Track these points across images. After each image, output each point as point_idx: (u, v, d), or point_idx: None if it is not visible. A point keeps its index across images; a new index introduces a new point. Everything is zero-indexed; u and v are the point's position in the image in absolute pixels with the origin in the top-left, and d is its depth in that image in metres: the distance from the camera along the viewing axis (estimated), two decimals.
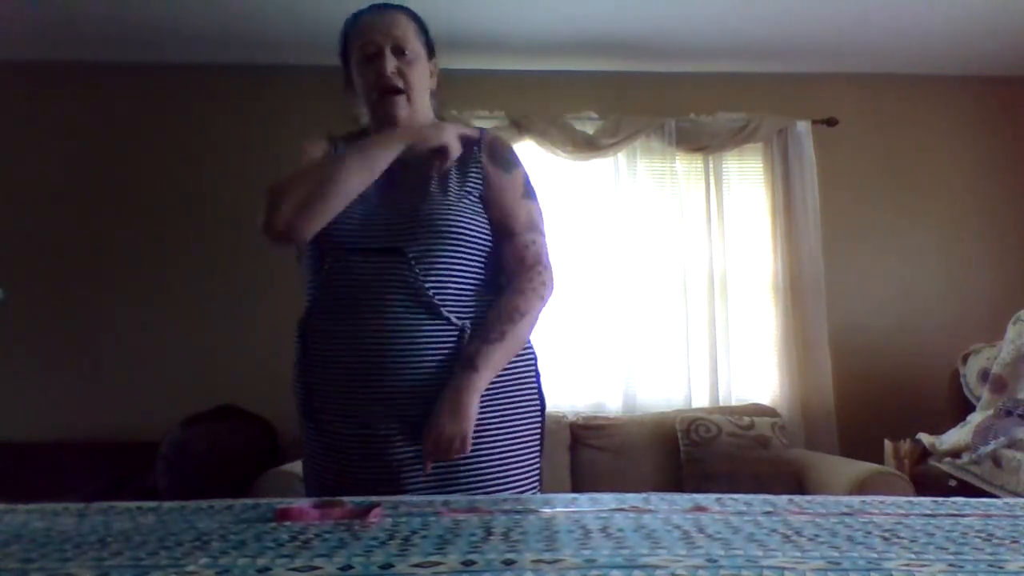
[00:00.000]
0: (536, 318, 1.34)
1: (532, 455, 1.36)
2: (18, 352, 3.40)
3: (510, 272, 1.36)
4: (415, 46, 1.38)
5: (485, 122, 3.46)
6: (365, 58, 1.37)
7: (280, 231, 1.26)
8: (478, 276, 1.34)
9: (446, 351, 1.27)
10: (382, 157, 1.31)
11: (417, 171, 1.36)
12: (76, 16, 3.12)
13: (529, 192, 1.41)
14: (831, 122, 3.64)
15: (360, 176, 1.29)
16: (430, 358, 1.26)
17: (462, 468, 1.27)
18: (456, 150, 1.36)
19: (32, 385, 3.38)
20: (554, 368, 3.29)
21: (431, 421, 1.23)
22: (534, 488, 1.36)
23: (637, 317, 3.46)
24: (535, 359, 1.42)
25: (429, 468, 1.24)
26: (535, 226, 1.38)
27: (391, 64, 1.35)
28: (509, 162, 1.40)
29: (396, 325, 1.25)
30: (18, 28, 3.21)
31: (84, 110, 3.55)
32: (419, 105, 1.40)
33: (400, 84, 1.36)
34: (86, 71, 3.54)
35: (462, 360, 1.26)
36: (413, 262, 1.26)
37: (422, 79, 1.40)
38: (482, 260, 1.35)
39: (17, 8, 3.05)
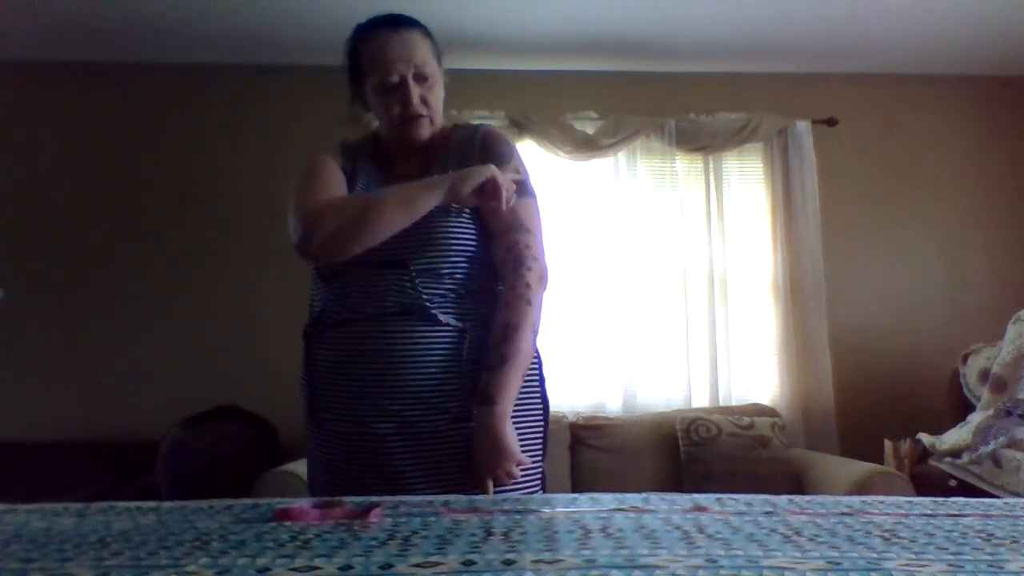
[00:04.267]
0: (534, 323, 1.32)
1: (535, 457, 1.37)
2: (18, 352, 3.39)
3: (500, 272, 1.36)
4: (433, 67, 1.38)
5: (485, 122, 3.45)
6: (387, 87, 1.35)
7: (313, 254, 1.29)
8: (481, 282, 1.35)
9: (447, 352, 1.29)
10: (423, 201, 1.28)
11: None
12: (76, 16, 3.11)
13: (523, 188, 1.37)
14: (831, 122, 3.64)
15: (399, 218, 1.27)
16: (431, 359, 1.27)
17: (460, 472, 1.28)
18: (504, 181, 1.30)
19: (32, 385, 3.38)
20: (554, 368, 3.29)
21: (475, 466, 1.26)
22: (537, 490, 1.36)
23: (637, 317, 3.46)
24: (540, 363, 1.42)
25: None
26: (520, 224, 1.34)
27: (416, 93, 1.35)
28: (500, 156, 1.38)
29: (398, 328, 1.27)
30: (18, 28, 3.21)
31: (84, 110, 3.54)
32: (438, 124, 1.42)
33: (424, 111, 1.37)
34: (86, 71, 3.54)
35: (477, 399, 1.27)
36: (416, 275, 1.28)
37: (440, 98, 1.42)
38: (483, 265, 1.36)
39: (17, 8, 3.04)
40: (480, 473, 1.26)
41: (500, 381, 1.27)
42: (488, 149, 1.39)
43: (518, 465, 1.27)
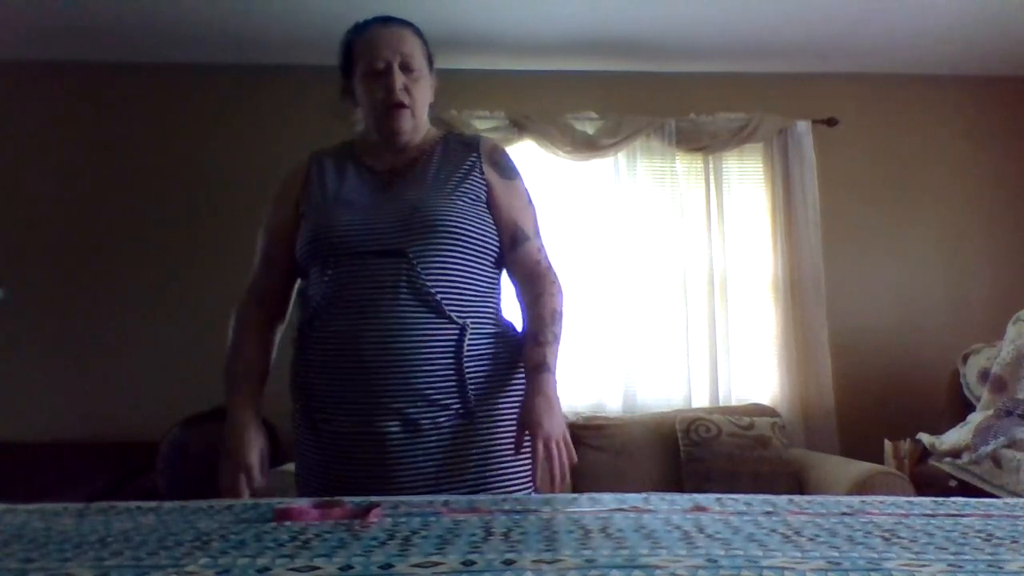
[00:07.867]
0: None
1: (527, 459, 1.36)
2: (18, 352, 3.39)
3: (523, 274, 1.40)
4: (420, 63, 1.41)
5: (485, 122, 3.46)
6: (373, 73, 1.38)
7: None
8: (477, 275, 1.36)
9: (446, 349, 1.28)
10: None
11: (411, 175, 1.39)
12: (76, 16, 3.11)
13: (531, 199, 1.47)
14: (831, 122, 3.64)
15: None
16: (430, 356, 1.27)
17: (460, 468, 1.28)
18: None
19: (32, 385, 3.37)
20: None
21: (532, 425, 1.23)
22: (529, 491, 1.36)
23: (637, 317, 3.46)
24: None
25: (539, 477, 1.23)
26: (539, 232, 1.45)
27: (400, 81, 1.37)
28: (513, 170, 1.46)
29: (397, 323, 1.27)
30: (18, 28, 3.21)
31: (84, 110, 3.54)
32: (421, 120, 1.44)
33: (407, 100, 1.39)
34: (86, 71, 3.54)
35: (534, 366, 1.30)
36: (415, 261, 1.28)
37: (425, 95, 1.44)
38: (481, 259, 1.37)
39: (17, 8, 3.04)
40: (537, 431, 1.22)
41: (554, 356, 1.31)
42: (498, 163, 1.44)
43: (567, 442, 1.25)
